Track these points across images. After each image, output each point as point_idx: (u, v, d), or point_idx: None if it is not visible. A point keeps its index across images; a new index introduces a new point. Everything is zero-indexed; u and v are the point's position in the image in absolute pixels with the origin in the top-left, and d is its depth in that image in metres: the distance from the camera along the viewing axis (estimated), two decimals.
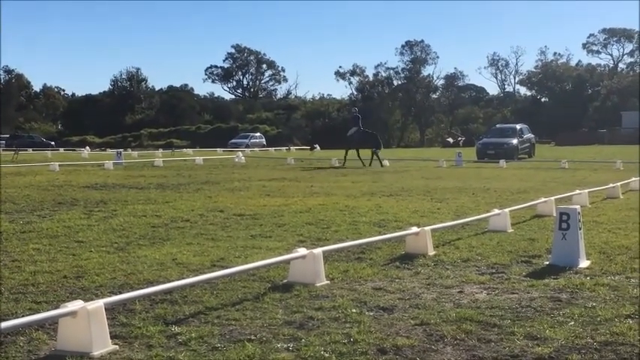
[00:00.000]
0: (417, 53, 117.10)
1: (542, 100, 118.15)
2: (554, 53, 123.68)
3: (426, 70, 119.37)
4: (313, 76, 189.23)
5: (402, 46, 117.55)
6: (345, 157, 36.07)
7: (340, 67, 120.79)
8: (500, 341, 5.87)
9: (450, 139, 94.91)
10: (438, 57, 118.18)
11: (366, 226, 12.78)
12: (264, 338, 5.92)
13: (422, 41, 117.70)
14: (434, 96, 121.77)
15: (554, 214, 10.57)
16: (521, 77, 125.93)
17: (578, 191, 16.78)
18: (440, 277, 8.42)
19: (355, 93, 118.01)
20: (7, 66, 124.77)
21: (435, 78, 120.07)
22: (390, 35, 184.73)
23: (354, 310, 6.81)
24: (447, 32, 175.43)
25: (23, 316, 6.28)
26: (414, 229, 10.05)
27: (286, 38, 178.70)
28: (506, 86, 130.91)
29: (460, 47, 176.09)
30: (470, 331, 6.12)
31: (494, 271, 8.86)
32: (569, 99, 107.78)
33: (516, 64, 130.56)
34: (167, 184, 22.74)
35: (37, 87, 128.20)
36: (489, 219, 12.37)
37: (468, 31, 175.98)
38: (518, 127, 50.64)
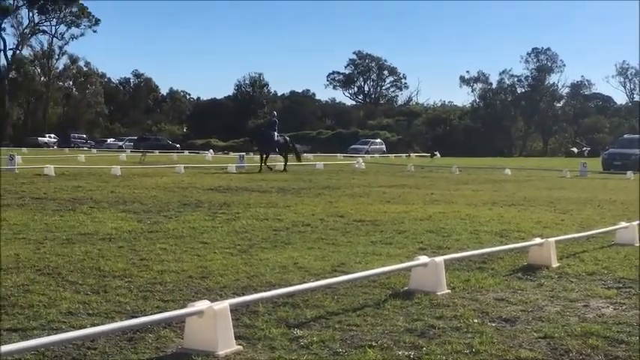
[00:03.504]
0: (543, 61, 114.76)
1: None
2: None
3: (551, 79, 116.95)
4: (435, 83, 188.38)
5: (528, 54, 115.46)
6: (266, 161, 34.15)
7: (467, 71, 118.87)
8: (627, 358, 5.70)
9: (575, 149, 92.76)
10: (564, 65, 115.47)
11: (488, 236, 12.62)
12: (385, 345, 5.93)
13: (548, 49, 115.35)
14: (558, 105, 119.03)
15: None
16: None
17: None
18: (564, 290, 8.24)
19: (478, 100, 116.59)
20: (136, 70, 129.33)
21: (560, 86, 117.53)
22: (515, 43, 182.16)
23: (475, 321, 6.75)
24: (573, 39, 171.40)
25: (152, 314, 6.49)
26: (538, 240, 9.88)
27: (408, 45, 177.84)
28: (635, 95, 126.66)
29: (587, 55, 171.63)
30: (596, 346, 5.97)
31: (621, 285, 8.61)
32: None
33: None
34: (288, 188, 23.02)
35: (164, 91, 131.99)
36: (616, 232, 12.03)
37: (595, 38, 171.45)
38: None
